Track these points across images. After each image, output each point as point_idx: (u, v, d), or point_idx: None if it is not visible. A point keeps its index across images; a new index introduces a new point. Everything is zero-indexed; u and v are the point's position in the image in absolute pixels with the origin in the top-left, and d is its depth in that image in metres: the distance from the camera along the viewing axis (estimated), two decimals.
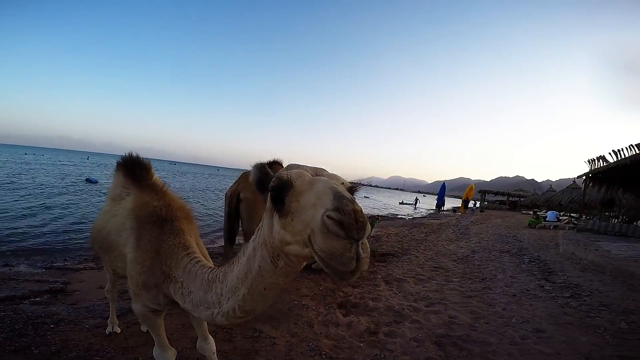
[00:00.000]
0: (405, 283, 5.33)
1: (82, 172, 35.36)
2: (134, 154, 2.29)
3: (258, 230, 1.27)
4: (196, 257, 1.71)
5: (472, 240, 11.17)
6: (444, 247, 9.32)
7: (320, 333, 3.38)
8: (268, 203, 1.12)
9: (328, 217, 0.85)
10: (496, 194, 49.55)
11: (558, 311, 4.33)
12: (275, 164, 5.13)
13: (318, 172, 1.12)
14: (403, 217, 23.87)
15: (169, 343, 2.07)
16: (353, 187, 1.12)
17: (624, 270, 5.93)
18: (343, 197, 0.87)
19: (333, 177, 1.09)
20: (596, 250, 8.10)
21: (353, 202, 0.87)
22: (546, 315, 4.17)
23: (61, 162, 54.30)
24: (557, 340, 3.45)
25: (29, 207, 11.70)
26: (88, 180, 25.20)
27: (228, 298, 1.35)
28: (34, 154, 72.33)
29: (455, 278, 5.90)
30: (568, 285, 5.54)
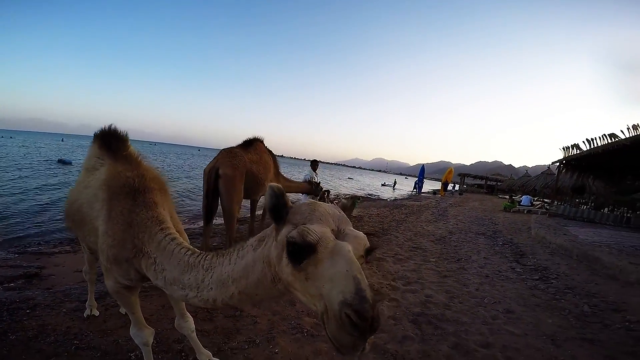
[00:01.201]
0: (384, 262, 5.48)
1: (55, 153, 33.77)
2: (112, 126, 2.18)
3: (260, 241, 1.23)
4: (171, 234, 1.65)
5: (449, 222, 11.54)
6: (423, 228, 9.60)
7: (302, 311, 3.44)
8: (283, 240, 1.06)
9: (346, 314, 0.85)
10: (475, 177, 50.99)
11: (527, 293, 4.58)
12: (256, 141, 5.07)
13: (340, 227, 1.08)
14: (385, 198, 24.26)
15: (149, 324, 2.06)
16: (371, 249, 1.10)
17: (589, 255, 6.28)
18: (365, 298, 0.86)
19: (355, 239, 1.05)
20: (564, 234, 8.54)
21: (373, 307, 0.86)
22: (516, 296, 4.41)
23: (34, 144, 51.63)
24: (525, 321, 3.64)
25: None
26: (61, 161, 24.09)
27: (211, 288, 1.33)
28: (1, 137, 68.02)
29: (433, 258, 6.11)
30: (537, 268, 5.85)
